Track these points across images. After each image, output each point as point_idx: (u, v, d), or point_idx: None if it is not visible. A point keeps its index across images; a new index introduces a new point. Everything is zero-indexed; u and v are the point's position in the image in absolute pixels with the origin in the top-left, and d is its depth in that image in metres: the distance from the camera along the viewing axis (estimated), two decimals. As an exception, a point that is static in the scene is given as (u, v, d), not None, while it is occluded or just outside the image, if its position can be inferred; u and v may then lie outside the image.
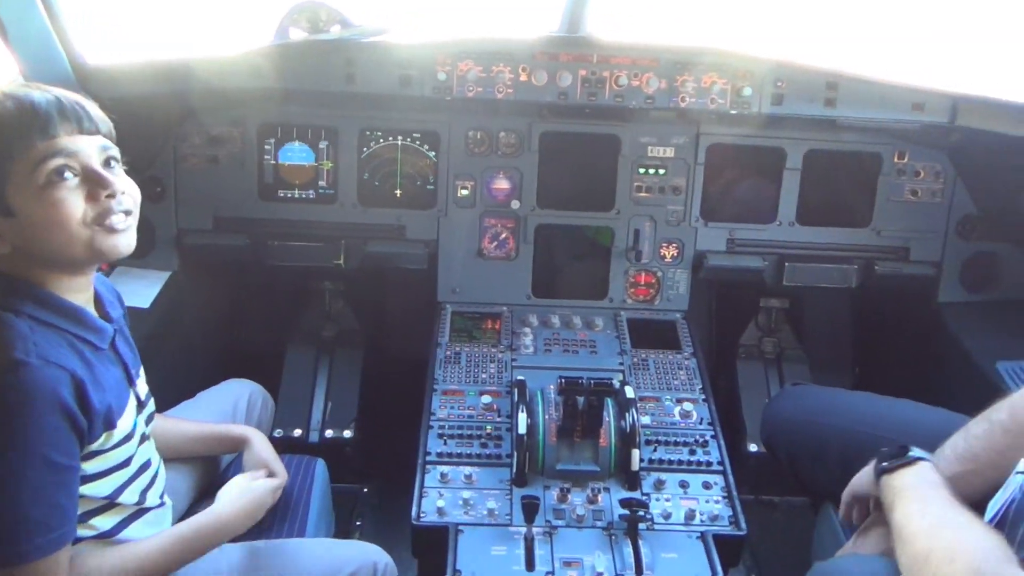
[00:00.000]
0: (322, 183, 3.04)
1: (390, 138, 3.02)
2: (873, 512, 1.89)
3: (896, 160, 3.05)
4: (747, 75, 2.81)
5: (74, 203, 1.55)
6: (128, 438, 1.71)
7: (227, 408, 2.37)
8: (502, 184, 3.04)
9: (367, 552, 2.00)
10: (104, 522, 1.71)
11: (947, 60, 3.11)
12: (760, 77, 2.81)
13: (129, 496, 1.75)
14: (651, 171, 3.04)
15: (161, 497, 1.90)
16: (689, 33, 3.01)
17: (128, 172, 1.70)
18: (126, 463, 1.73)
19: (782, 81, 2.81)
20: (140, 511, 1.79)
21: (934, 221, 3.10)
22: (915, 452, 1.69)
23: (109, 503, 1.71)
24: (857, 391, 2.55)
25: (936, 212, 3.09)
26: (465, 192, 3.04)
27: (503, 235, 3.07)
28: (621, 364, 2.79)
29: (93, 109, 1.64)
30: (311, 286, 3.35)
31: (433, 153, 3.03)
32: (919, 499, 1.57)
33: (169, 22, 3.31)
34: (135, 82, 2.69)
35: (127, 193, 1.64)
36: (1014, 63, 2.98)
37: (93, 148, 1.59)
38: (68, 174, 1.54)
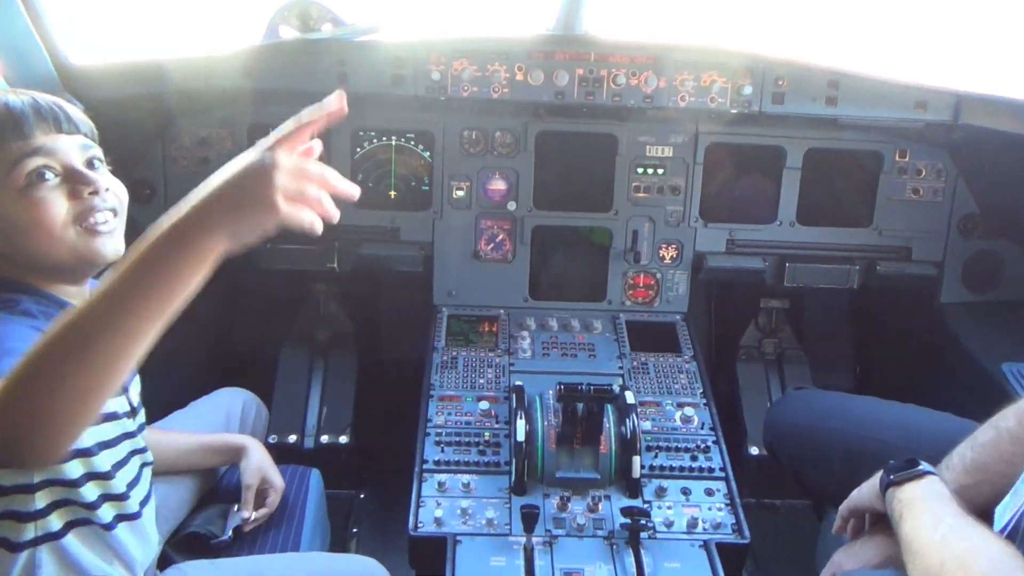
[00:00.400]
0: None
1: (384, 138, 2.97)
2: (869, 525, 1.86)
3: (897, 158, 3.01)
4: (747, 73, 2.76)
5: (56, 203, 1.49)
6: (116, 440, 1.65)
7: (220, 418, 2.31)
8: (498, 185, 2.99)
9: (363, 566, 1.95)
10: (90, 491, 1.59)
11: (950, 57, 3.07)
12: (760, 75, 2.76)
13: (121, 479, 1.66)
14: (649, 171, 2.99)
15: (141, 505, 1.81)
16: (687, 31, 2.96)
17: (116, 174, 1.65)
18: (123, 462, 1.67)
19: (783, 79, 2.76)
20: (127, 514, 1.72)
21: (936, 220, 3.06)
22: (924, 466, 1.65)
23: (105, 476, 1.62)
24: (860, 395, 2.51)
25: (938, 211, 3.06)
26: (460, 193, 2.99)
27: (499, 237, 3.02)
28: (620, 368, 2.74)
29: (72, 110, 1.59)
30: (305, 288, 3.30)
31: (428, 153, 2.98)
32: (929, 512, 1.53)
33: (157, 21, 3.24)
34: (120, 83, 2.63)
35: (111, 191, 1.58)
36: (1017, 60, 2.95)
37: (73, 148, 1.54)
38: (48, 174, 1.49)
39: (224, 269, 3.52)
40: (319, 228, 1.20)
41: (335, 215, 1.24)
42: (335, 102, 1.27)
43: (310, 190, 1.19)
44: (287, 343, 3.25)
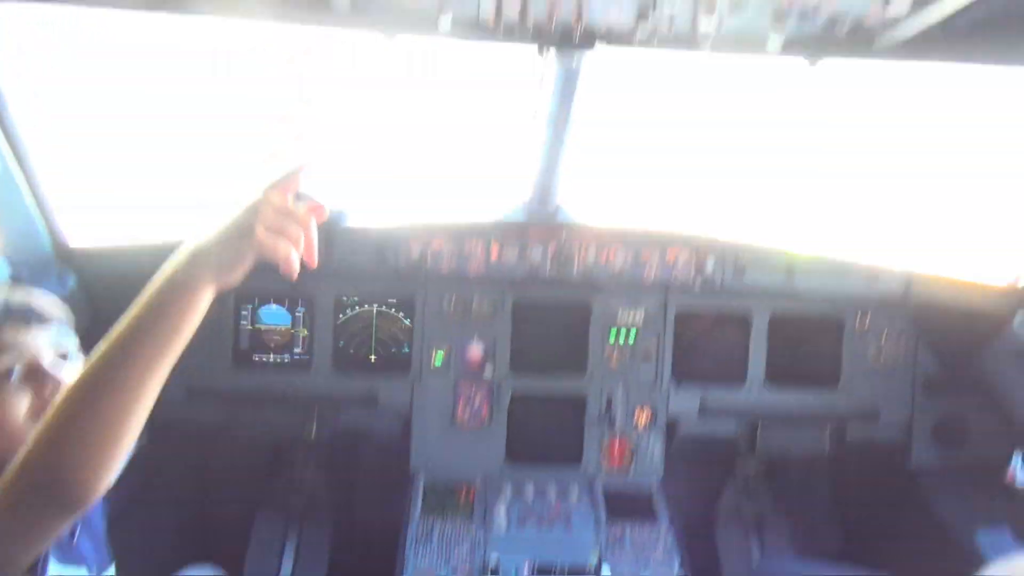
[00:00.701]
0: (297, 349, 3.06)
1: (365, 305, 3.08)
2: None
3: (859, 322, 3.14)
4: (710, 249, 2.93)
5: (18, 401, 1.52)
6: None
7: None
8: (476, 350, 3.08)
9: None
10: None
11: (902, 230, 3.27)
12: (721, 251, 2.93)
13: None
14: (622, 336, 3.10)
15: None
16: (652, 208, 3.16)
17: None
18: None
19: (744, 255, 2.93)
20: None
21: (901, 382, 3.15)
22: None
23: None
24: (837, 567, 2.50)
25: (902, 372, 3.15)
26: (439, 358, 3.07)
27: (477, 401, 3.07)
28: (597, 540, 2.73)
29: (45, 304, 1.64)
30: (281, 454, 3.30)
31: (408, 320, 3.08)
32: None
33: (154, 201, 3.40)
34: (116, 263, 2.75)
35: None
36: (963, 238, 3.15)
37: (43, 343, 1.58)
38: (14, 372, 1.53)
39: (203, 436, 3.47)
40: (295, 267, 1.30)
41: (310, 262, 1.33)
42: (321, 151, 1.38)
43: (292, 228, 1.30)
44: (262, 508, 3.21)
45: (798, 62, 2.00)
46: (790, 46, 1.94)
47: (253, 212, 1.28)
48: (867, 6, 1.75)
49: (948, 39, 1.83)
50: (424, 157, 3.38)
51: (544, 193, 2.95)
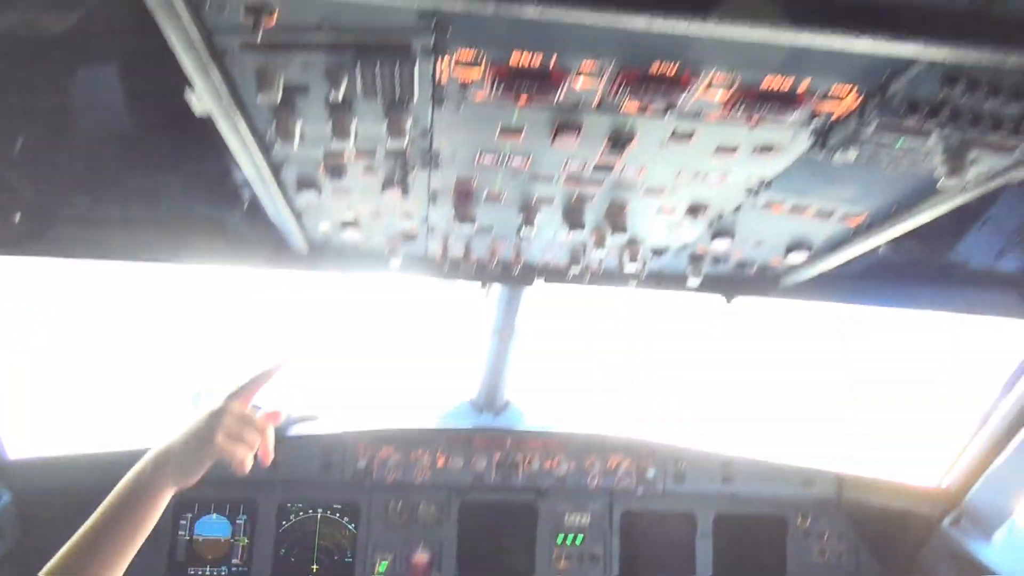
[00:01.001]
0: (235, 560, 2.96)
1: (310, 511, 3.03)
2: None
3: (799, 522, 3.20)
4: (650, 456, 3.03)
5: None
6: None
7: None
8: (422, 557, 3.02)
9: None
10: None
11: (832, 427, 3.44)
12: (663, 458, 3.03)
13: None
14: (569, 539, 3.09)
15: None
16: (594, 412, 3.29)
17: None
18: None
19: (683, 461, 3.03)
20: None
21: None
22: None
23: None
24: None
25: (847, 573, 3.17)
26: (384, 566, 3.00)
27: None
28: None
29: None
30: None
31: (353, 525, 3.03)
32: None
33: (100, 408, 3.41)
34: (52, 476, 2.71)
35: None
36: (891, 440, 3.33)
37: None
38: None
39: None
40: (247, 468, 1.45)
41: (264, 461, 1.52)
42: (280, 362, 1.58)
43: (250, 434, 1.46)
44: None
45: (716, 297, 2.22)
46: (707, 284, 2.16)
47: (215, 419, 1.43)
48: (771, 255, 1.99)
49: (840, 283, 2.07)
50: (372, 358, 3.50)
51: (491, 393, 3.07)
